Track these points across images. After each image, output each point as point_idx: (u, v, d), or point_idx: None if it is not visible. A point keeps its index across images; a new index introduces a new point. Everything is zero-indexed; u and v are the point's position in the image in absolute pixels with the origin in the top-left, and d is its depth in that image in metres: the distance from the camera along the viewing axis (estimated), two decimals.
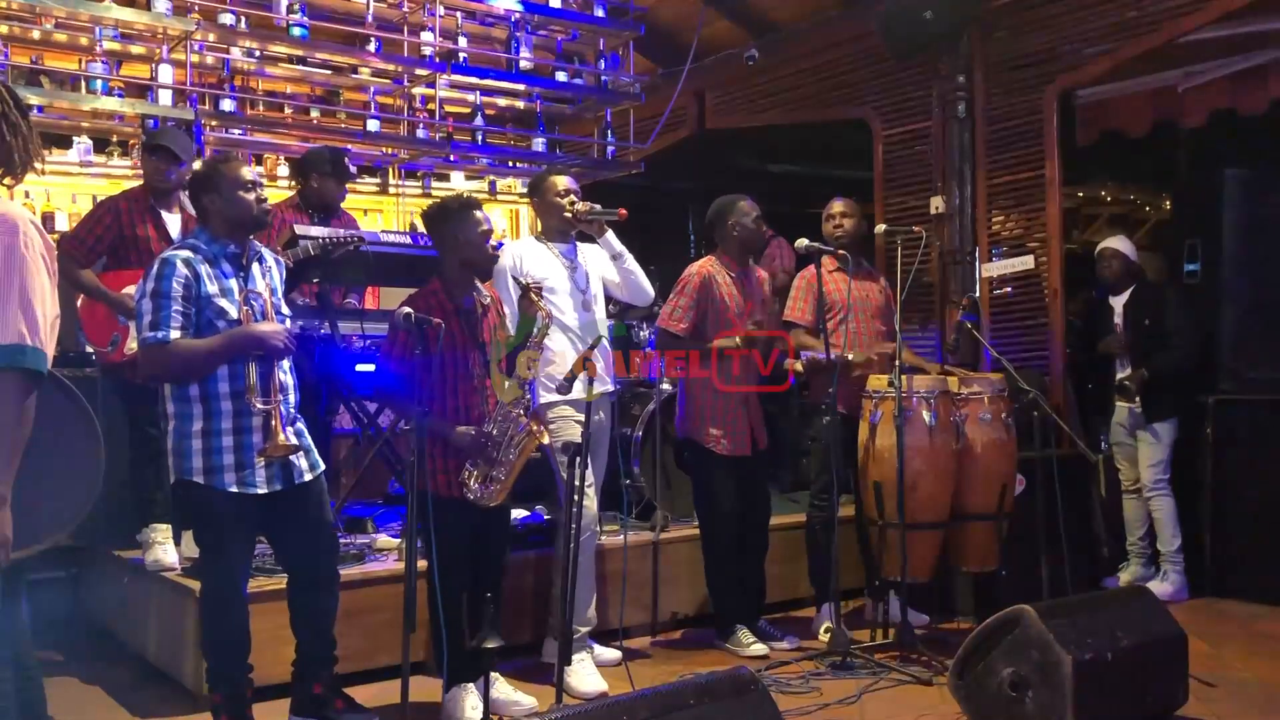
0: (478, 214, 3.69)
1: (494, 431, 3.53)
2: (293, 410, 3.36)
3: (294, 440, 3.27)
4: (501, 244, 4.08)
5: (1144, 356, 5.30)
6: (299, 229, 4.44)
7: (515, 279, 3.89)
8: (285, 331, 3.27)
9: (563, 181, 4.27)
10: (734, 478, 4.49)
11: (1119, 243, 5.52)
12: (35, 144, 2.33)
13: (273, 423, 3.21)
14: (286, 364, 3.34)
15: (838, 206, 4.93)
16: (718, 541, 4.57)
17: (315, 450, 3.44)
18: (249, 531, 3.34)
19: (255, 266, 3.36)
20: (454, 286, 3.70)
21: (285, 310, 3.42)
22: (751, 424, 4.57)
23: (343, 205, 5.10)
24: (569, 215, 4.21)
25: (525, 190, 7.54)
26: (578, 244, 4.34)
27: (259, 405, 3.20)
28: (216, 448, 3.19)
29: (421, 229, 4.13)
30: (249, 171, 3.34)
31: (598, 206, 4.22)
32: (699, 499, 4.66)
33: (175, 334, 3.12)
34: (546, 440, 3.63)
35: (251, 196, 3.30)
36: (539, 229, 4.41)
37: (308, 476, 3.37)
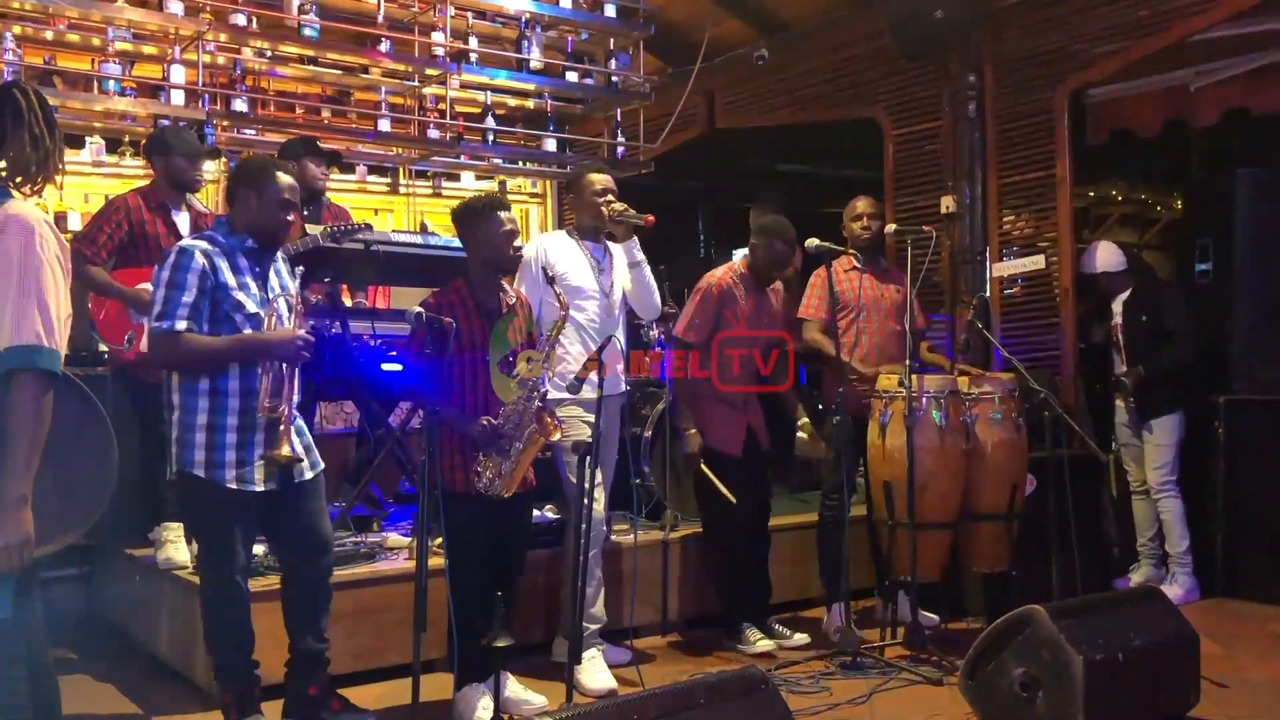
0: (502, 214, 3.70)
1: (505, 424, 3.55)
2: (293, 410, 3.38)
3: (299, 451, 3.28)
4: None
5: (1142, 354, 5.28)
6: (308, 227, 4.46)
7: (543, 269, 3.91)
8: (299, 338, 3.26)
9: (601, 180, 4.24)
10: (731, 477, 4.49)
11: (1101, 261, 5.44)
12: (56, 158, 2.33)
13: (280, 429, 3.22)
14: None
15: (863, 206, 4.91)
16: (718, 539, 4.58)
17: (315, 449, 3.46)
18: (249, 527, 3.35)
19: (271, 266, 3.39)
20: (478, 285, 3.72)
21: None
22: (748, 424, 4.56)
23: (350, 204, 5.10)
24: (605, 214, 4.18)
25: (537, 192, 7.69)
26: (608, 245, 4.33)
27: (266, 410, 3.21)
28: (220, 443, 3.20)
29: (431, 228, 4.15)
30: (292, 191, 3.35)
31: (631, 210, 4.20)
32: (701, 497, 4.67)
33: (181, 325, 3.14)
34: (558, 437, 3.63)
35: (285, 215, 3.33)
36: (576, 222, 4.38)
37: (308, 475, 3.38)
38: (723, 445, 4.50)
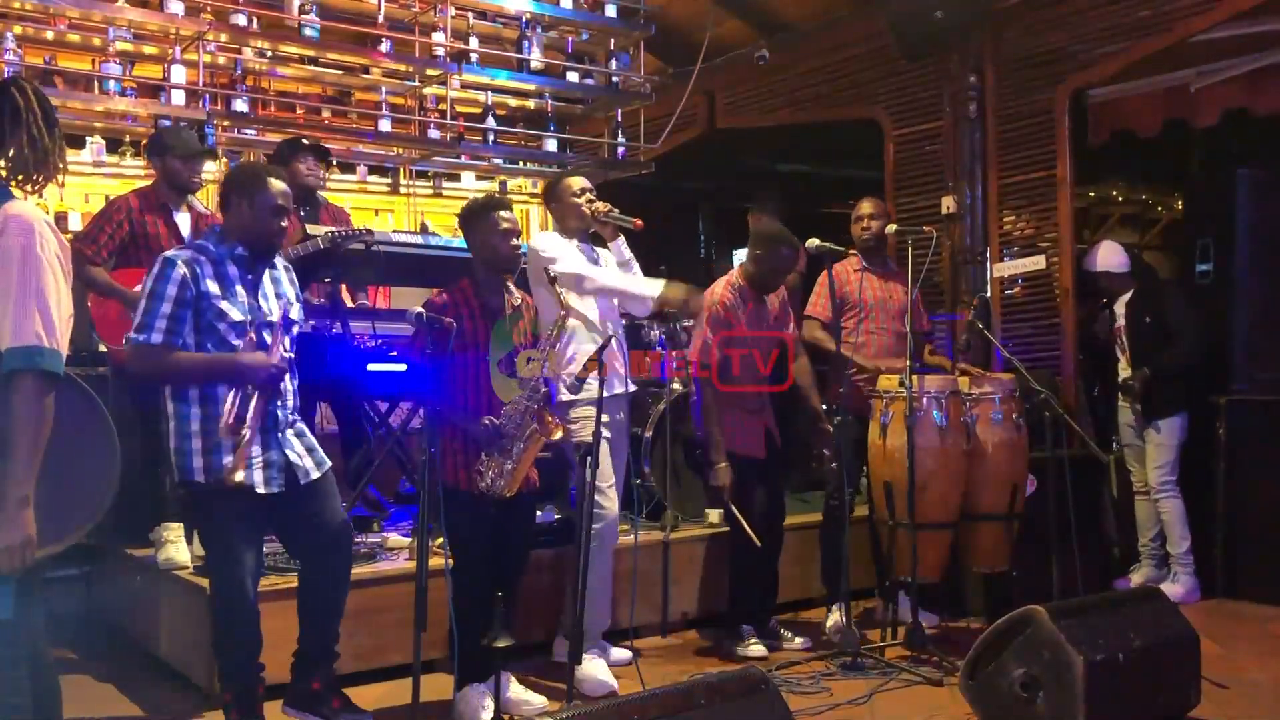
0: (501, 214, 3.71)
1: (507, 424, 3.55)
2: (292, 414, 3.37)
3: (256, 479, 3.19)
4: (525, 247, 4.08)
5: (1146, 354, 5.28)
6: (309, 228, 4.46)
7: (544, 269, 3.90)
8: (271, 365, 3.22)
9: (577, 181, 4.29)
10: (754, 477, 4.47)
11: (1103, 260, 5.45)
12: (55, 158, 2.32)
13: (238, 450, 3.15)
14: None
15: (865, 207, 4.94)
16: (735, 539, 4.57)
17: (320, 448, 3.45)
18: (254, 530, 3.33)
19: (266, 273, 3.38)
20: (482, 286, 3.73)
21: (295, 314, 3.44)
22: (765, 426, 4.56)
23: (350, 204, 5.10)
24: (587, 212, 4.20)
25: (537, 192, 7.68)
26: (595, 248, 4.34)
27: (227, 430, 3.16)
28: (216, 447, 3.19)
29: (432, 229, 4.15)
30: (285, 197, 3.33)
31: (616, 211, 4.21)
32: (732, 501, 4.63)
33: (158, 338, 3.14)
34: (559, 436, 3.63)
35: (278, 222, 3.32)
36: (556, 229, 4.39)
37: (314, 475, 3.37)
38: (745, 449, 4.47)
